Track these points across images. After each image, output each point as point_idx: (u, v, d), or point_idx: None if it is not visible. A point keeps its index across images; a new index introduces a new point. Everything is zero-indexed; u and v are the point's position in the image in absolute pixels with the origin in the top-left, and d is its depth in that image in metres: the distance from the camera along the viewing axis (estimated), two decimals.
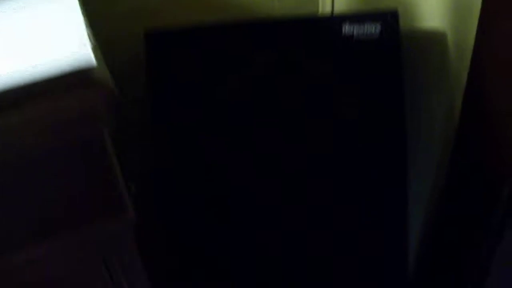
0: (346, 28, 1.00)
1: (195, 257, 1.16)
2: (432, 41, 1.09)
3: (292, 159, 1.09)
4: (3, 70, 0.71)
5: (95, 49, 0.73)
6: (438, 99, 1.13)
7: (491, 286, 1.13)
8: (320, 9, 1.22)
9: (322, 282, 1.18)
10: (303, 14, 1.15)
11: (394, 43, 1.03)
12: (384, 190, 1.12)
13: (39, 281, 0.82)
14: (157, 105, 1.06)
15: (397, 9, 1.02)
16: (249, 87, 1.05)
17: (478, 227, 1.10)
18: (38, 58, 0.72)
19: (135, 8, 1.09)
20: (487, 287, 1.13)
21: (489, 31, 0.99)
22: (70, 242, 0.78)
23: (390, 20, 1.00)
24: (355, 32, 1.00)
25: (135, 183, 0.99)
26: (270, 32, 1.03)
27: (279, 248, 1.17)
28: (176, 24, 1.04)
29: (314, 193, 1.09)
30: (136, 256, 0.81)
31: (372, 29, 1.00)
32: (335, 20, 1.01)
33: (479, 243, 1.11)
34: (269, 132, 1.08)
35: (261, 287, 1.18)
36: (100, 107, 0.71)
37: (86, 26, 0.80)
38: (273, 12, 1.16)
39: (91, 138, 0.74)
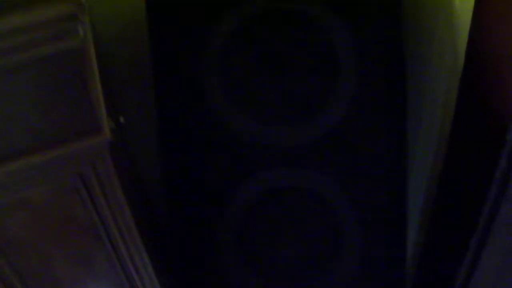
0: None
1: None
2: None
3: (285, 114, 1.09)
4: None
5: None
6: (441, 48, 1.10)
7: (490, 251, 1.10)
8: None
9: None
10: None
11: None
12: (382, 144, 1.10)
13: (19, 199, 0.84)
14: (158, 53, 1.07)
15: None
16: (245, 29, 1.05)
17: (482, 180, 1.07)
18: None
19: None
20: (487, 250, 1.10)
21: None
22: (47, 158, 0.80)
23: None
24: None
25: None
26: None
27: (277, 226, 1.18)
28: None
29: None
30: (112, 175, 0.82)
31: None
32: None
33: (483, 199, 1.08)
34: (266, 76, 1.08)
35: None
36: (73, 18, 0.72)
37: None
38: None
39: (68, 51, 0.75)
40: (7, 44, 0.73)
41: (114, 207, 0.86)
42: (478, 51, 1.04)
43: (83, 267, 0.94)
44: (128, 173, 1.02)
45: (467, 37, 1.04)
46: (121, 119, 0.95)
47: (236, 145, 1.11)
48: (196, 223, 1.19)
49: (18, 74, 0.76)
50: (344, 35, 1.03)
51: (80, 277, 0.95)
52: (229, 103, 1.08)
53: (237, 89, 1.08)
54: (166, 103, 1.11)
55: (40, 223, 0.87)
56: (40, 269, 0.92)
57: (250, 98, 1.09)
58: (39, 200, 0.84)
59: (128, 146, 1.12)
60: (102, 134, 0.80)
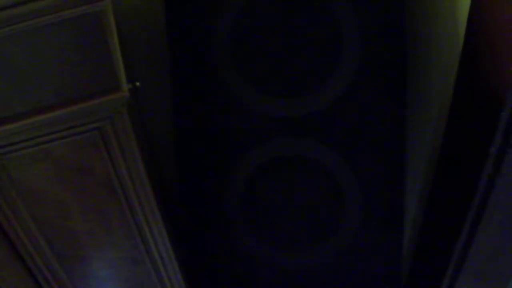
0: None
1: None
2: None
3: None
4: None
5: None
6: (442, 26, 1.14)
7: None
8: None
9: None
10: None
11: None
12: (383, 116, 1.15)
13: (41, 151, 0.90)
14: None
15: None
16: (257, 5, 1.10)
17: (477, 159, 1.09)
18: None
19: None
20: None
21: None
22: (69, 113, 0.86)
23: None
24: None
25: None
26: None
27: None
28: None
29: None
30: (129, 130, 0.88)
31: None
32: None
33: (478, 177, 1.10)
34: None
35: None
36: None
37: None
38: None
39: (92, 14, 0.81)
40: (39, 6, 0.79)
41: (130, 162, 0.92)
42: (476, 31, 1.08)
43: (98, 220, 0.99)
44: (141, 134, 1.07)
45: (467, 15, 1.08)
46: (137, 84, 1.01)
47: (245, 115, 1.16)
48: (205, 191, 1.24)
49: (48, 34, 0.82)
50: (347, 12, 1.08)
51: (95, 230, 1.00)
52: (239, 75, 1.14)
53: (247, 62, 1.13)
54: (180, 75, 1.16)
55: (59, 175, 0.92)
56: (57, 219, 0.97)
57: (259, 71, 1.14)
58: (60, 152, 0.90)
59: (142, 112, 1.18)
60: (121, 92, 0.85)
